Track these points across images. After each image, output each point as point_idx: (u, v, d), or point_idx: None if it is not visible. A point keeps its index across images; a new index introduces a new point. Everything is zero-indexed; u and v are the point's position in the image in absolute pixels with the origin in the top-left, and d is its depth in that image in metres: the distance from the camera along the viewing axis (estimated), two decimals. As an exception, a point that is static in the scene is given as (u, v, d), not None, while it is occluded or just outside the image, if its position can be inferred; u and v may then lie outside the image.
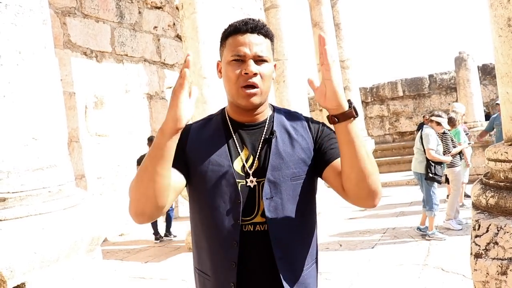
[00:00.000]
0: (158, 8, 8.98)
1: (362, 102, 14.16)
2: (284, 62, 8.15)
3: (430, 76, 14.19)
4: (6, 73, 2.43)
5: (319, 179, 1.39)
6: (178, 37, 9.21)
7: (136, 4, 8.42)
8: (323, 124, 1.39)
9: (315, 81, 1.15)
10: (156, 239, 6.63)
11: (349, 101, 1.15)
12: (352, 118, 1.14)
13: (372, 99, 14.93)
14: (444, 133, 6.03)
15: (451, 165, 6.06)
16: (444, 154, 5.98)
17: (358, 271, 4.21)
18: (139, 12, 8.49)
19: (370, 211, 7.49)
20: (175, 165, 1.24)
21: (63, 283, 2.53)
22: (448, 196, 6.92)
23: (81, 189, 3.09)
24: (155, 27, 8.85)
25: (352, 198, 1.23)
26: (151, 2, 8.75)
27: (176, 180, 1.25)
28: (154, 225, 6.65)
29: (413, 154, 5.89)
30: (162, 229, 6.77)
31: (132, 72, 8.19)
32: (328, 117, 1.17)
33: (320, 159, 1.32)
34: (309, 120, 1.39)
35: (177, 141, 1.14)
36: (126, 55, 8.11)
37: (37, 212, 2.45)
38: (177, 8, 8.99)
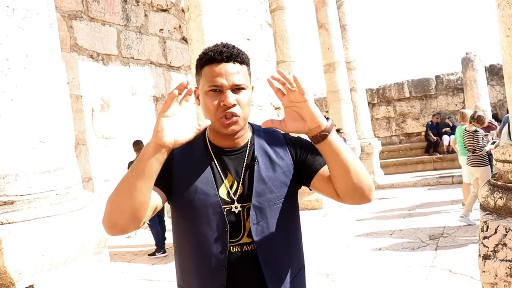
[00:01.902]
0: (164, 10, 9.01)
1: (369, 103, 14.12)
2: (290, 63, 8.16)
3: (437, 77, 14.12)
4: (13, 76, 2.45)
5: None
6: (184, 39, 9.23)
7: (142, 7, 8.45)
8: (299, 139, 1.43)
9: (270, 120, 1.20)
10: (156, 251, 5.98)
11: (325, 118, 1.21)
12: (332, 129, 1.20)
13: (379, 100, 14.89)
14: (475, 131, 6.01)
15: (483, 163, 5.99)
16: (473, 152, 5.97)
17: (365, 273, 4.19)
18: (145, 15, 8.53)
19: (377, 212, 7.46)
20: (157, 185, 1.26)
21: (71, 285, 2.54)
22: None
23: (88, 191, 3.11)
24: (161, 29, 8.88)
25: (348, 199, 1.28)
26: (157, 5, 8.78)
27: (154, 199, 1.26)
28: (158, 234, 6.06)
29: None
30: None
31: (138, 74, 8.21)
32: (311, 138, 1.21)
33: (306, 171, 1.36)
34: (286, 139, 1.41)
35: (162, 162, 1.14)
36: (132, 58, 8.14)
37: (45, 214, 2.46)
38: (183, 10, 9.02)
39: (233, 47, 1.29)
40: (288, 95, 1.16)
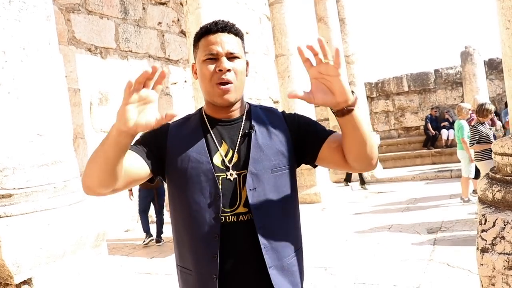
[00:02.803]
0: (162, 3, 8.97)
1: (367, 97, 14.10)
2: (289, 57, 8.13)
3: (436, 71, 14.10)
4: (10, 69, 2.44)
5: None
6: (183, 32, 9.20)
7: (140, 0, 8.41)
8: (297, 115, 1.46)
9: (298, 91, 1.15)
10: (146, 238, 6.25)
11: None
12: (357, 103, 1.19)
13: (377, 94, 14.88)
14: (473, 126, 5.97)
15: (480, 158, 5.90)
16: (470, 146, 5.96)
17: (363, 266, 4.20)
18: (143, 8, 8.48)
19: (376, 206, 7.48)
20: (143, 154, 1.32)
21: (69, 278, 2.55)
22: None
23: (87, 185, 3.10)
24: (160, 23, 8.84)
25: (356, 167, 1.32)
26: (155, -2, 8.74)
27: (135, 166, 1.29)
28: (145, 224, 6.33)
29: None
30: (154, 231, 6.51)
31: (136, 68, 8.18)
32: (335, 112, 1.19)
33: (310, 146, 1.37)
34: (284, 113, 1.45)
35: (126, 145, 1.14)
36: (131, 51, 8.11)
37: (43, 208, 2.46)
38: (181, 3, 8.98)
39: (228, 20, 1.36)
40: (319, 67, 1.11)
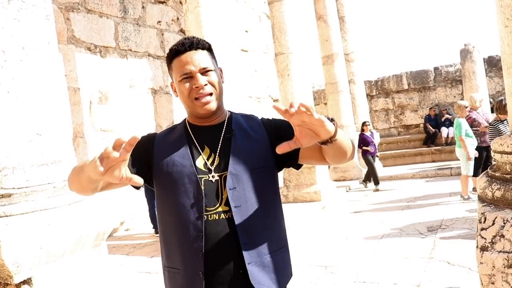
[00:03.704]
0: (162, 2, 8.95)
1: (367, 95, 14.10)
2: (289, 55, 8.12)
3: (435, 68, 14.10)
4: (9, 68, 2.43)
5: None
6: (182, 31, 9.18)
7: (139, -2, 8.40)
8: (274, 120, 1.55)
9: (285, 146, 1.21)
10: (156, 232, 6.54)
11: (329, 119, 1.27)
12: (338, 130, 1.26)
13: (377, 92, 14.88)
14: (490, 124, 5.81)
15: None
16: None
17: (364, 264, 4.21)
18: (143, 7, 8.47)
19: (376, 204, 7.48)
20: (130, 170, 1.38)
21: (69, 277, 2.55)
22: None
23: (86, 184, 3.09)
24: (159, 21, 8.83)
25: (333, 163, 1.44)
26: (155, -3, 8.72)
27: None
28: (154, 221, 6.56)
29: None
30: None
31: (136, 67, 8.17)
32: (320, 143, 1.27)
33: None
34: (263, 122, 1.53)
35: (99, 180, 1.20)
36: (130, 50, 8.10)
37: (42, 207, 2.46)
38: (180, 2, 8.97)
39: (193, 37, 1.45)
40: (301, 116, 1.15)
